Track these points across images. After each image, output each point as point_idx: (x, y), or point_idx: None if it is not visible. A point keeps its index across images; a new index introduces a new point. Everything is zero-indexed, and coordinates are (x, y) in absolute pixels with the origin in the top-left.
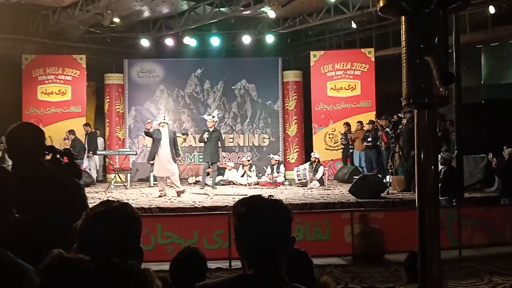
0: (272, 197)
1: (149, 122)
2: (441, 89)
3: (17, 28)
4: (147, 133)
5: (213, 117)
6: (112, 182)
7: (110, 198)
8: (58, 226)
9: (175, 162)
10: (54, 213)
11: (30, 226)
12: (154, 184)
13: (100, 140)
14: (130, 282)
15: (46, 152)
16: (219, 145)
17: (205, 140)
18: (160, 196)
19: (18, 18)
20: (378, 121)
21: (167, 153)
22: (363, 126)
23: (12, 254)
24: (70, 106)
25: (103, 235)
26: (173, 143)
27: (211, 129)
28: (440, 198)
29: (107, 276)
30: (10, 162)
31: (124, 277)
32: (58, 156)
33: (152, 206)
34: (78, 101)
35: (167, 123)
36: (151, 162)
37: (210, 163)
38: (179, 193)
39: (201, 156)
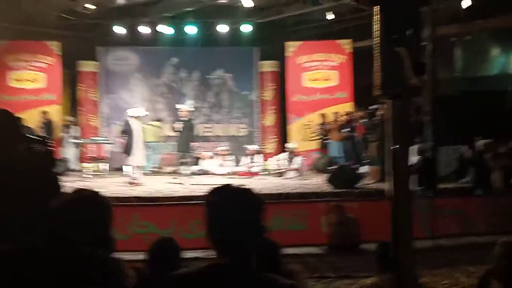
0: (243, 186)
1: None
2: (413, 79)
3: None
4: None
5: (188, 107)
6: (85, 170)
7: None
8: (33, 213)
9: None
10: (29, 200)
11: (5, 214)
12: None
13: (75, 128)
14: (101, 270)
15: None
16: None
17: (181, 129)
18: (138, 185)
19: None
20: (355, 112)
21: (142, 143)
22: (339, 117)
23: None
24: (45, 94)
25: (73, 224)
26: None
27: (185, 119)
28: (415, 188)
29: (76, 263)
30: None
31: (95, 265)
32: (33, 143)
33: (129, 196)
34: (53, 88)
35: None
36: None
37: (183, 154)
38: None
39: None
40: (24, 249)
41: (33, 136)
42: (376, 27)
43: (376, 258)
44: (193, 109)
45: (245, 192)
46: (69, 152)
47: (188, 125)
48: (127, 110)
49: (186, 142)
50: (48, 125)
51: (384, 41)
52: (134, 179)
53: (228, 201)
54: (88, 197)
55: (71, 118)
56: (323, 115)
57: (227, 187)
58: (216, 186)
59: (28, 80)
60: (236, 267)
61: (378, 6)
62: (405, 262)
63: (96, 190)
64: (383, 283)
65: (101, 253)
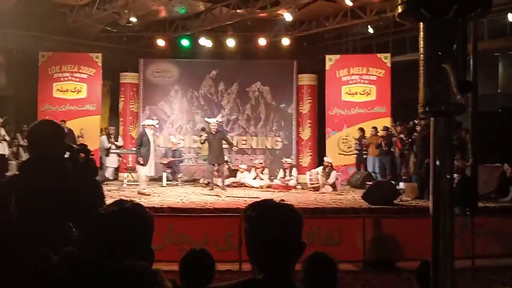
0: (283, 202)
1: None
2: (458, 97)
3: (35, 25)
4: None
5: (216, 121)
6: (125, 181)
7: (123, 197)
8: (74, 223)
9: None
10: (72, 210)
11: (49, 224)
12: (167, 183)
13: (103, 138)
14: (141, 282)
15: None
16: (223, 146)
17: (202, 142)
18: (148, 195)
19: (36, 15)
20: (393, 127)
21: (153, 154)
22: (378, 132)
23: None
24: (85, 104)
25: (114, 236)
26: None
27: (214, 132)
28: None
29: (118, 276)
30: (24, 157)
31: (135, 277)
32: (75, 153)
33: (163, 206)
34: (93, 99)
35: (153, 125)
36: (164, 162)
37: (215, 165)
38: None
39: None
40: (69, 261)
41: (76, 145)
42: (421, 43)
43: (416, 277)
44: (221, 121)
45: (285, 208)
46: (109, 162)
47: (219, 137)
48: (143, 122)
49: (217, 154)
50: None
51: (429, 57)
52: (143, 189)
53: (267, 217)
54: (129, 209)
55: (112, 128)
56: (361, 130)
57: (266, 202)
58: (256, 201)
59: (71, 91)
60: (274, 283)
61: (424, 23)
62: (445, 283)
63: (137, 201)
64: None
65: (142, 264)
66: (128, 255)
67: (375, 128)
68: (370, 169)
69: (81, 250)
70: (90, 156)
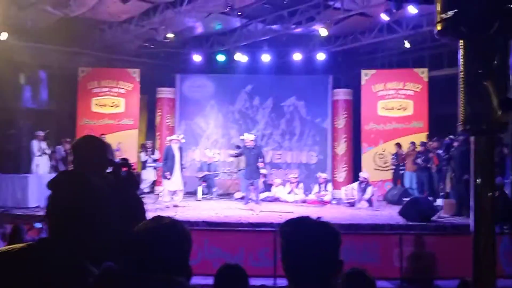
0: (320, 219)
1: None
2: (499, 114)
3: (75, 41)
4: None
5: (253, 135)
6: (161, 194)
7: (159, 210)
8: (117, 238)
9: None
10: (116, 225)
11: (94, 237)
12: (202, 197)
13: (142, 154)
14: None
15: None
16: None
17: (235, 155)
18: (175, 206)
19: (76, 32)
20: (430, 142)
21: (179, 168)
22: (416, 147)
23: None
24: (123, 118)
25: (153, 252)
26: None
27: (250, 147)
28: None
29: None
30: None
31: None
32: (117, 167)
33: (199, 220)
34: (131, 113)
35: (179, 139)
36: (201, 175)
37: (250, 180)
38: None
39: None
40: (108, 276)
41: (117, 159)
42: (460, 60)
43: None
44: (255, 137)
45: (322, 225)
46: (146, 175)
47: (254, 152)
48: (168, 138)
49: (253, 169)
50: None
51: (469, 75)
52: (177, 203)
53: (304, 234)
54: (168, 225)
55: (149, 142)
56: (397, 145)
57: (303, 218)
58: (293, 217)
59: (109, 105)
60: None
61: (463, 40)
62: None
63: (177, 218)
64: None
65: (179, 280)
66: (166, 270)
67: (413, 143)
68: (407, 184)
69: (120, 265)
70: (131, 170)
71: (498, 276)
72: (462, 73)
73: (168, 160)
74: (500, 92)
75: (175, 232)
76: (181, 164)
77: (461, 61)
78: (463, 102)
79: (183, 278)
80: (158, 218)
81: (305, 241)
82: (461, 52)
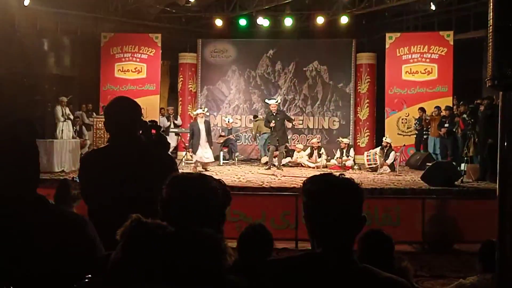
0: (343, 176)
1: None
2: None
3: (97, 7)
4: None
5: (276, 101)
6: (183, 159)
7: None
8: (151, 198)
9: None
10: (149, 185)
11: (127, 198)
12: (223, 162)
13: (162, 119)
14: (205, 248)
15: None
16: (286, 126)
17: (273, 126)
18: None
19: None
20: (455, 106)
21: (205, 141)
22: (441, 112)
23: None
24: (145, 84)
25: (184, 204)
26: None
27: (274, 113)
28: None
29: (183, 242)
30: (87, 136)
31: (199, 244)
32: (148, 129)
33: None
34: (153, 79)
35: (204, 114)
36: (222, 141)
37: (277, 146)
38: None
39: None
40: (143, 229)
41: (146, 121)
42: (490, 14)
43: (479, 257)
44: (278, 103)
45: (345, 181)
46: (169, 141)
47: (280, 118)
48: (193, 112)
49: (280, 135)
50: None
51: (498, 29)
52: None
53: (328, 190)
54: (197, 177)
55: (170, 108)
56: (421, 109)
57: (326, 175)
58: (315, 174)
59: (132, 71)
60: (333, 257)
61: None
62: (510, 263)
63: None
64: (483, 283)
65: (207, 231)
66: (196, 222)
67: (438, 107)
68: (430, 150)
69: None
70: (161, 132)
71: None
72: (491, 28)
73: (194, 138)
74: None
75: (204, 184)
76: (208, 138)
77: (490, 15)
78: (491, 58)
79: (211, 230)
80: (186, 173)
81: (328, 197)
82: (490, 6)
